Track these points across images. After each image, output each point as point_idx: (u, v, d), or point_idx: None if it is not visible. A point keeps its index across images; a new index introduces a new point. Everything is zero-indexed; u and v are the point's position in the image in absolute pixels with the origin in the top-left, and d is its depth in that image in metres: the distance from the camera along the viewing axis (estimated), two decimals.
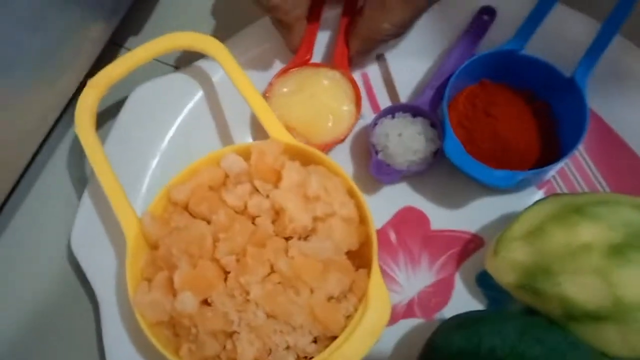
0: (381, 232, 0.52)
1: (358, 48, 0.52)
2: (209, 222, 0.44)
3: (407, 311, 0.50)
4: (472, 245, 0.51)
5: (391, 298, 0.49)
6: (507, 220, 0.50)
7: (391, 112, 0.53)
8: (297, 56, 0.54)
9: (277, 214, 0.44)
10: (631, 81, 0.50)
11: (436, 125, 0.51)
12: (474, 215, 0.52)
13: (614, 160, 0.51)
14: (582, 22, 0.52)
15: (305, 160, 0.46)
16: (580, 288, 0.41)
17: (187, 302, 0.40)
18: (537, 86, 0.51)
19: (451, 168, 0.49)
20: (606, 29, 0.49)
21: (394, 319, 0.49)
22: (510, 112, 0.51)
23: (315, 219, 0.43)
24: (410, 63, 0.55)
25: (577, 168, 0.52)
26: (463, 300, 0.50)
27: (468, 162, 0.47)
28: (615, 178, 0.51)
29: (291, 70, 0.54)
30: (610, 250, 0.41)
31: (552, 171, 0.49)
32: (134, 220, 0.45)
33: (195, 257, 0.42)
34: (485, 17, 0.53)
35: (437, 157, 0.51)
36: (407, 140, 0.50)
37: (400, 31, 0.50)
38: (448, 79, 0.51)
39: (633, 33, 0.51)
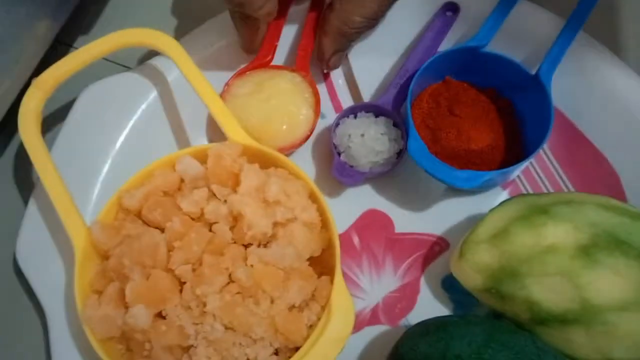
0: (344, 236, 0.51)
1: (333, 47, 0.50)
2: (163, 230, 0.42)
3: (372, 318, 0.48)
4: (437, 248, 0.50)
5: (355, 304, 0.48)
6: (473, 222, 0.49)
7: (353, 111, 0.51)
8: (258, 57, 0.52)
9: (236, 219, 0.42)
10: (594, 78, 0.50)
11: (399, 124, 0.50)
12: (438, 217, 0.51)
13: (578, 159, 0.51)
14: (546, 19, 0.51)
15: (265, 162, 0.45)
16: (547, 291, 0.40)
17: (140, 316, 0.38)
18: (501, 84, 0.51)
19: (415, 169, 0.48)
20: (570, 25, 0.48)
21: (358, 326, 0.48)
22: (474, 111, 0.50)
23: (276, 225, 0.41)
24: (373, 61, 0.54)
25: (541, 168, 0.52)
26: (429, 305, 0.48)
27: (431, 162, 0.46)
28: (580, 177, 0.51)
29: (250, 71, 0.52)
30: (576, 251, 0.40)
31: (517, 171, 0.48)
32: (82, 229, 0.43)
33: (148, 268, 0.39)
34: (448, 14, 0.52)
35: (401, 158, 0.49)
36: (369, 141, 0.49)
37: (372, 23, 0.49)
38: (411, 77, 0.50)
39: (595, 29, 0.51)
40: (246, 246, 0.42)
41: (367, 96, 0.55)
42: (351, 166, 0.49)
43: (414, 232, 0.51)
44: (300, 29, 0.54)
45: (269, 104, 0.49)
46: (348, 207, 0.51)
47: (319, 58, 0.51)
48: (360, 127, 0.49)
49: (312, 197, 0.43)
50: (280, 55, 0.53)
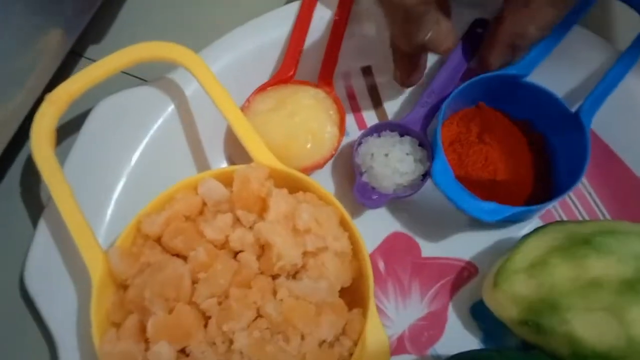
0: None
1: (500, 61, 0.46)
2: (185, 258, 0.39)
3: (398, 347, 0.46)
4: (465, 273, 0.48)
5: None
6: (502, 247, 0.47)
7: (377, 130, 0.49)
8: (279, 72, 0.50)
9: (262, 248, 0.39)
10: (632, 99, 0.48)
11: (425, 145, 0.48)
12: (466, 241, 0.49)
13: (613, 184, 0.49)
14: (600, 48, 0.49)
15: (292, 186, 0.42)
16: (590, 326, 0.38)
17: (163, 353, 0.36)
18: (536, 116, 0.49)
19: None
20: (621, 62, 0.47)
21: None
22: (505, 141, 0.48)
23: (306, 254, 0.39)
24: None
25: (575, 193, 0.50)
26: (457, 334, 0.46)
27: (455, 189, 0.44)
28: (616, 203, 0.49)
29: (272, 87, 0.49)
30: (621, 286, 0.38)
31: (543, 210, 0.46)
32: (99, 255, 0.40)
33: (171, 301, 0.37)
34: (479, 30, 0.50)
35: (425, 181, 0.47)
36: (394, 161, 0.47)
37: (545, 34, 0.45)
38: (440, 96, 0.48)
39: None
40: (274, 277, 0.39)
41: (391, 114, 0.53)
42: (373, 188, 0.47)
43: (441, 257, 0.49)
44: (324, 42, 0.51)
45: (292, 121, 0.47)
46: (372, 230, 0.49)
47: (482, 71, 0.48)
48: (384, 147, 0.47)
49: (343, 224, 0.41)
50: (302, 70, 0.51)
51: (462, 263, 0.48)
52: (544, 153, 0.49)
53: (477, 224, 0.49)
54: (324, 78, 0.49)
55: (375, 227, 0.49)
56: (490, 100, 0.50)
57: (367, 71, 0.53)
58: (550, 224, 0.44)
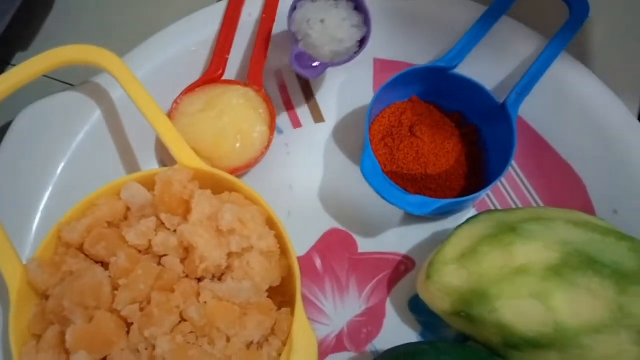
0: (305, 259, 0.48)
1: None
2: (107, 266, 0.38)
3: (337, 345, 0.46)
4: (402, 267, 0.48)
5: (319, 331, 0.46)
6: (439, 239, 0.47)
7: None
8: (208, 72, 0.49)
9: (187, 251, 0.39)
10: (567, 94, 0.48)
11: (361, 8, 0.46)
12: (403, 235, 0.49)
13: (545, 171, 0.49)
14: (527, 40, 0.50)
15: (218, 187, 0.42)
16: (518, 314, 0.38)
17: None
18: (468, 108, 0.49)
19: None
20: (545, 55, 0.47)
21: (322, 354, 0.45)
22: (437, 134, 0.48)
23: (231, 255, 0.39)
24: None
25: (508, 181, 0.50)
26: (395, 328, 0.46)
27: (383, 183, 0.43)
28: (548, 190, 0.49)
29: (200, 87, 0.49)
30: (547, 272, 0.38)
31: (472, 202, 0.46)
32: (17, 267, 0.39)
33: (91, 309, 0.36)
34: None
35: (363, 47, 0.46)
36: (330, 28, 0.45)
37: None
38: None
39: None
40: (199, 280, 0.39)
41: (325, 111, 0.52)
42: (311, 55, 0.45)
43: (378, 252, 0.48)
44: (252, 40, 0.51)
45: (221, 122, 0.46)
46: (309, 227, 0.49)
47: None
48: (320, 12, 0.45)
49: (270, 223, 0.41)
50: (231, 69, 0.50)
51: (399, 257, 0.48)
52: (477, 146, 0.49)
53: (414, 218, 0.49)
54: (253, 76, 0.49)
55: (312, 224, 0.49)
56: (423, 93, 0.50)
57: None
58: (481, 213, 0.44)
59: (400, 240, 0.49)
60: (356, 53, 0.46)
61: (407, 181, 0.47)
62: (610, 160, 0.47)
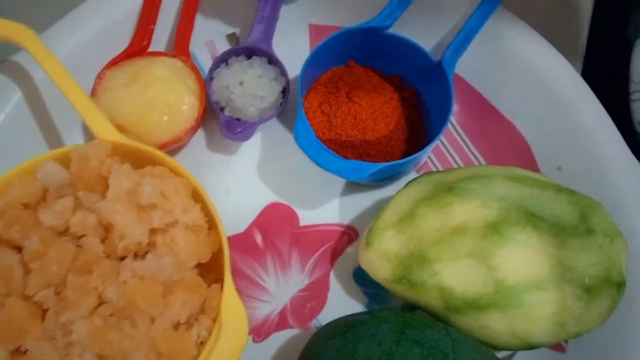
0: (245, 235, 0.46)
1: None
2: (21, 250, 0.36)
3: (280, 322, 0.44)
4: (345, 238, 0.46)
5: (261, 309, 0.44)
6: (382, 207, 0.45)
7: (224, 60, 0.47)
8: (132, 43, 0.47)
9: (107, 230, 0.36)
10: (507, 51, 0.47)
11: (276, 61, 0.46)
12: (345, 205, 0.47)
13: (488, 130, 0.48)
14: None
15: (140, 161, 0.39)
16: (458, 275, 0.37)
17: None
18: (406, 69, 0.47)
19: None
20: (480, 11, 0.45)
21: (265, 332, 0.44)
22: (374, 99, 0.46)
23: (154, 232, 0.36)
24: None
25: (451, 143, 0.49)
26: (340, 302, 0.45)
27: (317, 150, 0.41)
28: (491, 149, 0.48)
29: (124, 60, 0.46)
30: (486, 229, 0.37)
31: (410, 165, 0.45)
32: None
33: (2, 297, 0.34)
34: None
35: (287, 96, 0.46)
36: (250, 88, 0.45)
37: None
38: (275, 5, 0.47)
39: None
40: (122, 259, 0.36)
41: None
42: (239, 119, 0.45)
43: (320, 224, 0.47)
44: (179, 8, 0.48)
45: (146, 95, 0.44)
46: (248, 202, 0.47)
47: None
48: (236, 76, 0.45)
49: (196, 197, 0.38)
50: (158, 40, 0.48)
51: (341, 228, 0.47)
52: (417, 108, 0.48)
53: (356, 187, 0.47)
54: (180, 47, 0.46)
55: (252, 198, 0.47)
56: (360, 57, 0.48)
57: (232, 38, 0.50)
58: (419, 176, 0.43)
59: (342, 210, 0.47)
60: (282, 104, 0.46)
61: (346, 148, 0.45)
62: (553, 116, 0.46)
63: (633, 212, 0.42)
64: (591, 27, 0.54)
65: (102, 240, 0.36)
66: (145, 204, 0.36)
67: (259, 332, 0.44)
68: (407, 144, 0.46)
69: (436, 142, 0.43)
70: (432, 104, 0.47)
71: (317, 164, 0.41)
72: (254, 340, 0.44)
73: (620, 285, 0.36)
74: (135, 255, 0.36)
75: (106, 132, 0.39)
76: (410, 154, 0.44)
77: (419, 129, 0.47)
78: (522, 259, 0.36)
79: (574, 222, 0.36)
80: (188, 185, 0.38)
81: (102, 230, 0.36)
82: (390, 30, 0.45)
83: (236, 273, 0.45)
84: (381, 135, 0.45)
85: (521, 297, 0.36)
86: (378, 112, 0.46)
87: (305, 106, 0.46)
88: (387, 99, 0.47)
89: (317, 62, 0.45)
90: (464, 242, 0.37)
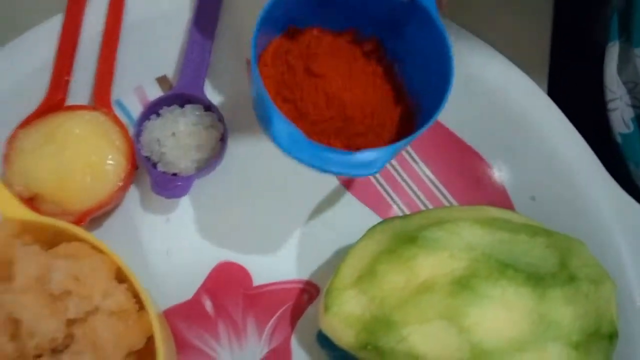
0: (192, 303, 0.42)
1: None
2: None
3: None
4: (305, 296, 0.42)
5: None
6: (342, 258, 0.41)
7: (154, 110, 0.42)
8: (46, 99, 0.42)
9: (16, 325, 0.31)
10: (463, 72, 0.41)
11: (210, 107, 0.42)
12: (302, 257, 0.43)
13: (455, 165, 0.44)
14: None
15: (56, 237, 0.34)
16: (429, 340, 0.33)
17: None
18: (362, 21, 0.38)
19: (265, 203, 0.42)
20: None
21: None
22: (339, 64, 0.37)
23: (72, 322, 0.31)
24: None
25: (413, 179, 0.44)
26: None
27: (312, 150, 0.32)
28: (460, 185, 0.44)
29: (39, 118, 0.41)
30: (454, 285, 0.32)
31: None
32: None
33: None
34: None
35: (226, 146, 0.42)
36: (183, 138, 0.41)
37: None
38: (202, 45, 0.43)
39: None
40: (38, 357, 0.31)
41: None
42: (174, 174, 0.41)
43: (276, 282, 0.42)
44: (97, 53, 0.43)
45: (64, 156, 0.39)
46: (193, 263, 0.42)
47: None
48: (167, 126, 0.41)
49: (119, 276, 0.33)
50: (77, 92, 0.43)
51: (300, 285, 0.42)
52: (387, 62, 0.39)
53: (311, 237, 0.43)
54: (100, 97, 0.42)
55: (197, 259, 0.43)
56: (301, 20, 0.38)
57: (163, 81, 0.46)
58: (378, 223, 0.38)
59: (299, 264, 0.43)
60: (221, 154, 0.42)
61: (329, 136, 0.36)
62: (522, 142, 0.42)
63: (616, 238, 0.38)
64: (553, 35, 0.51)
65: (12, 338, 0.31)
66: (58, 292, 0.31)
67: None
68: (396, 106, 0.38)
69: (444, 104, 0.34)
70: (409, 57, 0.38)
71: (318, 168, 0.32)
72: None
73: (612, 336, 0.32)
74: (54, 351, 0.31)
75: (11, 208, 0.34)
76: (405, 119, 0.37)
77: (400, 89, 0.38)
78: (499, 318, 0.31)
79: (553, 269, 0.32)
80: (109, 262, 0.33)
81: (11, 325, 0.31)
82: None
83: (184, 347, 0.40)
84: (364, 106, 0.37)
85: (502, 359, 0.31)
86: (349, 78, 0.37)
87: None
88: (351, 59, 0.38)
89: (260, 37, 0.35)
90: (432, 302, 0.32)
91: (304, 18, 0.37)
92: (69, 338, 0.31)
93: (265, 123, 0.34)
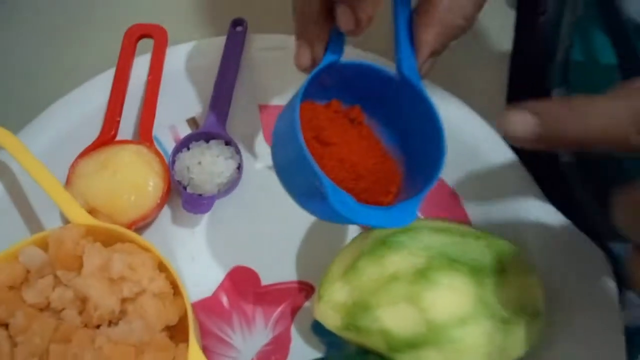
0: (213, 299, 0.51)
1: (433, 46, 0.40)
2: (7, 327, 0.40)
3: None
4: (303, 294, 0.51)
5: None
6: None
7: (185, 144, 0.53)
8: (101, 135, 0.52)
9: (83, 302, 0.41)
10: None
11: (230, 142, 0.53)
12: (301, 263, 0.52)
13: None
14: None
15: (111, 240, 0.44)
16: (395, 318, 0.42)
17: None
18: (343, 93, 0.42)
19: (272, 219, 0.51)
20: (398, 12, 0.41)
21: None
22: (342, 132, 0.41)
23: (124, 301, 0.41)
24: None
25: None
26: (301, 352, 0.49)
27: (361, 211, 0.36)
28: (427, 205, 0.53)
29: (95, 150, 0.52)
30: (415, 276, 0.42)
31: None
32: None
33: None
34: (238, 29, 0.56)
35: (241, 172, 0.53)
36: (208, 166, 0.51)
37: (468, 27, 0.41)
38: (222, 89, 0.54)
39: None
40: (98, 327, 0.41)
41: None
42: (200, 195, 0.51)
43: (279, 282, 0.52)
44: (142, 100, 0.54)
45: (114, 179, 0.50)
46: (213, 268, 0.52)
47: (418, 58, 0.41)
48: (195, 157, 0.52)
49: (161, 267, 0.43)
50: (125, 129, 0.54)
51: (298, 285, 0.51)
52: (364, 123, 0.43)
53: (310, 246, 0.53)
54: (144, 134, 0.52)
55: (217, 264, 0.52)
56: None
57: (192, 122, 0.57)
58: (361, 233, 0.48)
59: (298, 268, 0.52)
60: (238, 178, 0.52)
61: (355, 197, 0.38)
62: (476, 172, 0.52)
63: (551, 253, 0.48)
64: (510, 80, 0.61)
65: (80, 312, 0.41)
66: (116, 277, 0.41)
67: None
68: (385, 163, 0.43)
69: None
70: (391, 120, 0.43)
71: (370, 224, 0.37)
72: None
73: (535, 315, 0.42)
74: (110, 323, 0.41)
75: (79, 217, 0.45)
76: (401, 172, 0.42)
77: (381, 144, 0.43)
78: (448, 299, 0.41)
79: (489, 263, 0.42)
80: (153, 257, 0.43)
81: (79, 303, 0.41)
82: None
83: (206, 333, 0.50)
84: (368, 165, 0.41)
85: (450, 333, 0.41)
86: (350, 143, 0.41)
87: None
88: (345, 126, 0.42)
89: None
90: (398, 289, 0.42)
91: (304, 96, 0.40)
92: (122, 313, 0.41)
93: (300, 191, 0.38)
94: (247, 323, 0.50)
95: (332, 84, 0.41)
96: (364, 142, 0.42)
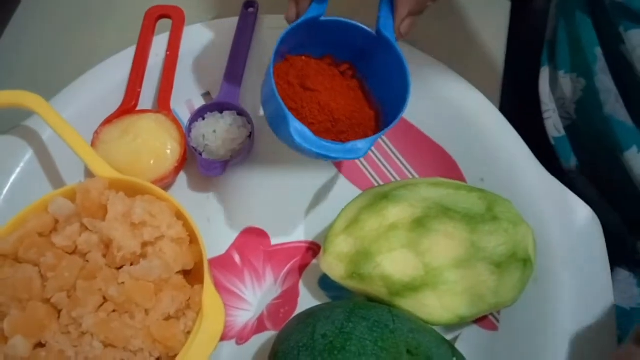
0: (226, 256, 0.54)
1: (408, 7, 0.45)
2: (39, 267, 0.44)
3: (259, 326, 0.52)
4: (310, 253, 0.55)
5: (242, 317, 0.52)
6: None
7: (200, 114, 0.57)
8: (122, 105, 0.56)
9: (107, 246, 0.45)
10: (427, 85, 0.57)
11: (243, 112, 0.57)
12: (308, 224, 0.56)
13: (417, 151, 0.57)
14: None
15: (132, 192, 0.48)
16: (395, 264, 0.45)
17: (18, 345, 0.40)
18: (338, 50, 0.49)
19: (281, 184, 0.54)
20: None
21: (246, 336, 0.51)
22: (325, 81, 0.48)
23: (145, 244, 0.45)
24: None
25: (389, 162, 0.58)
26: (309, 305, 0.51)
27: (318, 144, 0.42)
28: (425, 168, 0.57)
29: (117, 118, 0.56)
30: (413, 224, 0.45)
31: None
32: None
33: (25, 301, 0.42)
34: (250, 10, 0.60)
35: (253, 139, 0.56)
36: (222, 134, 0.55)
37: None
38: (236, 64, 0.57)
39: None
40: (120, 269, 0.45)
41: None
42: (214, 159, 0.55)
43: (288, 242, 0.55)
44: (160, 75, 0.58)
45: (135, 143, 0.53)
46: (227, 228, 0.55)
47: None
48: (209, 126, 0.56)
49: (179, 216, 0.47)
50: (145, 100, 0.58)
51: (307, 244, 0.55)
52: (357, 78, 0.50)
53: (317, 207, 0.56)
54: (162, 103, 0.56)
55: (230, 225, 0.56)
56: (293, 50, 0.48)
57: (207, 97, 0.61)
58: (363, 191, 0.51)
59: (306, 229, 0.55)
60: (250, 144, 0.56)
61: (321, 134, 0.46)
62: (472, 138, 0.55)
63: (541, 209, 0.51)
64: (507, 59, 0.64)
65: (104, 255, 0.45)
66: (137, 222, 0.44)
67: (240, 336, 0.51)
68: (368, 111, 0.48)
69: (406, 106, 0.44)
70: (378, 74, 0.48)
71: (323, 156, 0.42)
72: (237, 343, 0.51)
73: (526, 261, 0.45)
74: (131, 264, 0.45)
75: (103, 170, 0.49)
76: (374, 119, 0.48)
77: (368, 96, 0.49)
78: (443, 244, 0.44)
79: (482, 212, 0.45)
80: (171, 207, 0.47)
81: (104, 247, 0.45)
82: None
83: (219, 288, 0.53)
84: (346, 111, 0.47)
85: (445, 276, 0.44)
86: (333, 91, 0.47)
87: None
88: (332, 77, 0.49)
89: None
90: (397, 236, 0.45)
91: (295, 48, 0.48)
92: (143, 256, 0.45)
93: (278, 125, 0.44)
94: (257, 279, 0.54)
95: (325, 42, 0.48)
96: (350, 93, 0.49)
